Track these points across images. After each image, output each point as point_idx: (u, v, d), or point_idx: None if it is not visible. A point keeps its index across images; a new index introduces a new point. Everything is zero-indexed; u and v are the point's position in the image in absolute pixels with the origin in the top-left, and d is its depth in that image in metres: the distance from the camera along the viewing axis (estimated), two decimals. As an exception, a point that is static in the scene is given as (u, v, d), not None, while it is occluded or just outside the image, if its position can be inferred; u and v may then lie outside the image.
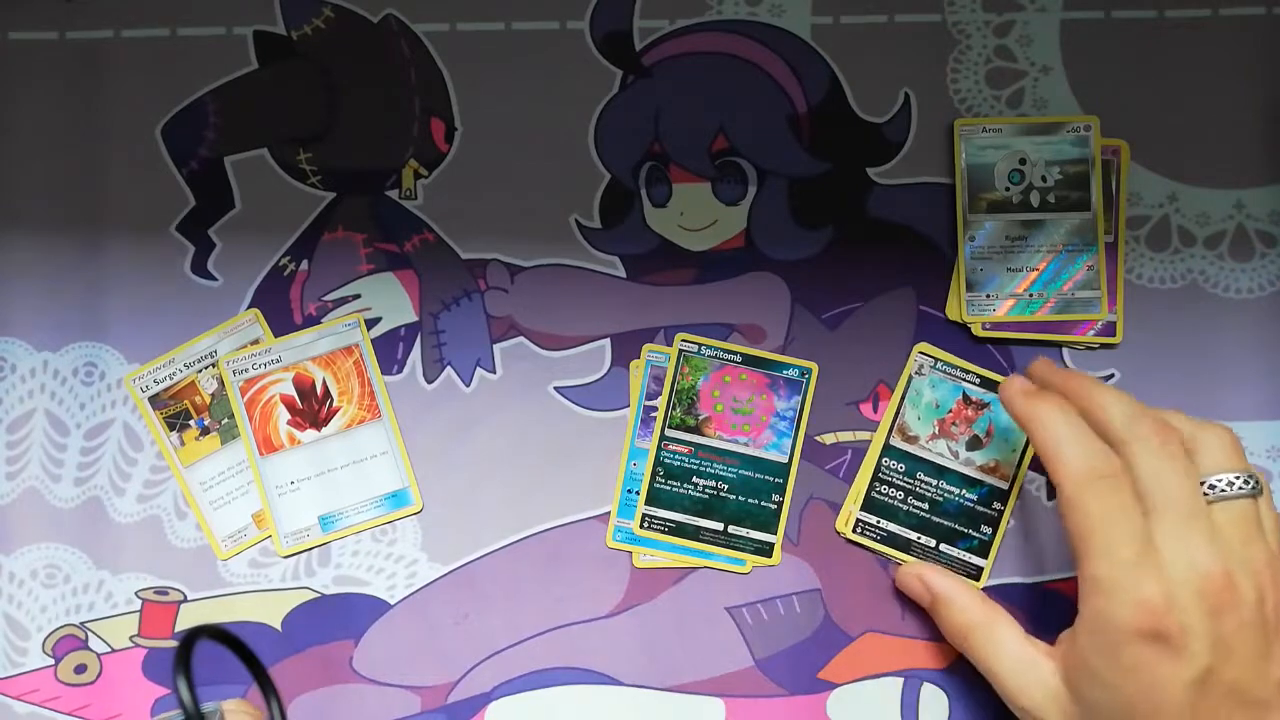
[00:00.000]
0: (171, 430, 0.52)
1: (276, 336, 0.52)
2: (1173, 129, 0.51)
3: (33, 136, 0.53)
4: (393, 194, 0.53)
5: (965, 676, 0.50)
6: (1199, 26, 0.52)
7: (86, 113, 0.53)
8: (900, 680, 0.50)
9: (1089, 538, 0.40)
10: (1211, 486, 0.40)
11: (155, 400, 0.52)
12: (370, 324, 0.52)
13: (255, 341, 0.52)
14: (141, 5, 0.53)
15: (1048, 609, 0.50)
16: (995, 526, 0.50)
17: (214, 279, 0.52)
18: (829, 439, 0.51)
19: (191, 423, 0.52)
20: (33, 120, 0.53)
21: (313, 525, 0.51)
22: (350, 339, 0.52)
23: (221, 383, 0.52)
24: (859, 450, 0.51)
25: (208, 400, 0.52)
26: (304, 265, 0.52)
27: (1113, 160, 0.51)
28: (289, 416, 0.52)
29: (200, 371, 0.52)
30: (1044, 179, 0.51)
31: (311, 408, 0.52)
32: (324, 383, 0.52)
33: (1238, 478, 0.40)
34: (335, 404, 0.52)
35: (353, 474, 0.51)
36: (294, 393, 0.52)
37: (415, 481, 0.51)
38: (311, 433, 0.52)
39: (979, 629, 0.45)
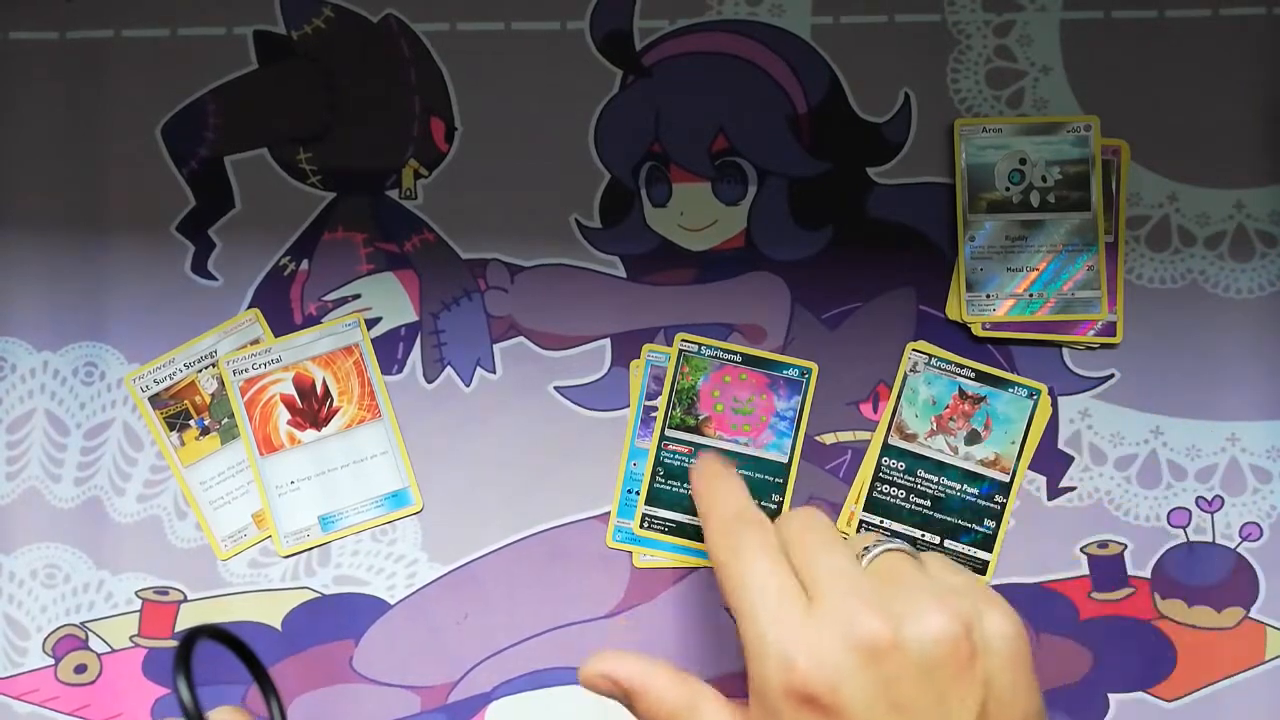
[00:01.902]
0: (171, 430, 0.52)
1: (276, 336, 0.52)
2: (1173, 129, 0.51)
3: (33, 136, 0.53)
4: (393, 194, 0.53)
5: (965, 676, 0.50)
6: (1199, 26, 0.52)
7: (86, 113, 0.53)
8: (900, 680, 0.50)
9: (737, 598, 0.37)
10: (865, 554, 0.38)
11: (155, 400, 0.52)
12: (370, 324, 0.52)
13: (255, 341, 0.52)
14: (141, 5, 0.53)
15: (1048, 609, 0.50)
16: (998, 520, 0.50)
17: (214, 279, 0.52)
18: (829, 439, 0.51)
19: (191, 423, 0.52)
20: (33, 120, 0.53)
21: (313, 525, 0.51)
22: (350, 339, 0.52)
23: (221, 383, 0.52)
24: (859, 450, 0.51)
25: (208, 400, 0.52)
26: (304, 265, 0.52)
27: (1113, 160, 0.51)
28: (289, 416, 0.52)
29: (200, 371, 0.52)
30: (1044, 179, 0.51)
31: (311, 408, 0.52)
32: (324, 383, 0.52)
33: (879, 544, 0.38)
34: (335, 404, 0.52)
35: (353, 474, 0.51)
36: (294, 392, 0.52)
37: (415, 481, 0.51)
38: (311, 432, 0.52)
39: (681, 715, 0.39)
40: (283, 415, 0.52)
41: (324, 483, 0.51)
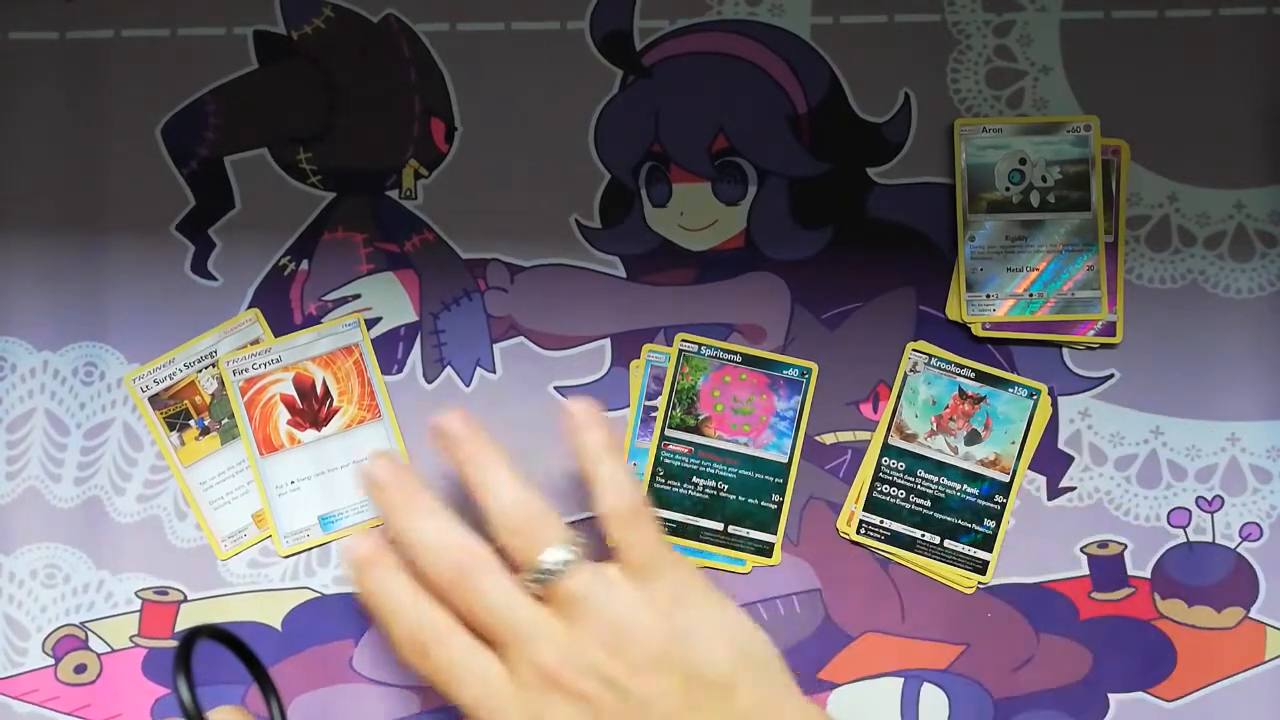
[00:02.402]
0: (171, 430, 0.52)
1: (276, 336, 0.52)
2: (1173, 129, 0.51)
3: (33, 136, 0.53)
4: (393, 194, 0.53)
5: (965, 676, 0.50)
6: (1199, 26, 0.52)
7: (86, 113, 0.53)
8: (900, 680, 0.50)
9: (449, 699, 0.40)
10: (536, 578, 0.40)
11: (155, 400, 0.52)
12: (370, 324, 0.52)
13: (255, 341, 0.52)
14: (141, 5, 0.53)
15: (1048, 609, 0.50)
16: (998, 520, 0.50)
17: (214, 279, 0.52)
18: (829, 439, 0.51)
19: (191, 423, 0.52)
20: (33, 120, 0.53)
21: (313, 525, 0.51)
22: (350, 339, 0.52)
23: (221, 383, 0.52)
24: (859, 450, 0.51)
25: (208, 400, 0.52)
26: (304, 265, 0.52)
27: (1113, 160, 0.51)
28: (289, 416, 0.52)
29: (200, 371, 0.52)
30: (1044, 179, 0.51)
31: (311, 408, 0.52)
32: (324, 383, 0.52)
33: (556, 553, 0.40)
34: (335, 404, 0.52)
35: (353, 474, 0.51)
36: (294, 393, 0.52)
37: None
38: (311, 433, 0.52)
39: None
40: (283, 415, 0.52)
41: (324, 483, 0.51)
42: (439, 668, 0.40)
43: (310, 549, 0.51)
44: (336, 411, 0.52)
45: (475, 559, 0.40)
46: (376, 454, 0.43)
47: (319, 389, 0.52)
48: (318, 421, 0.52)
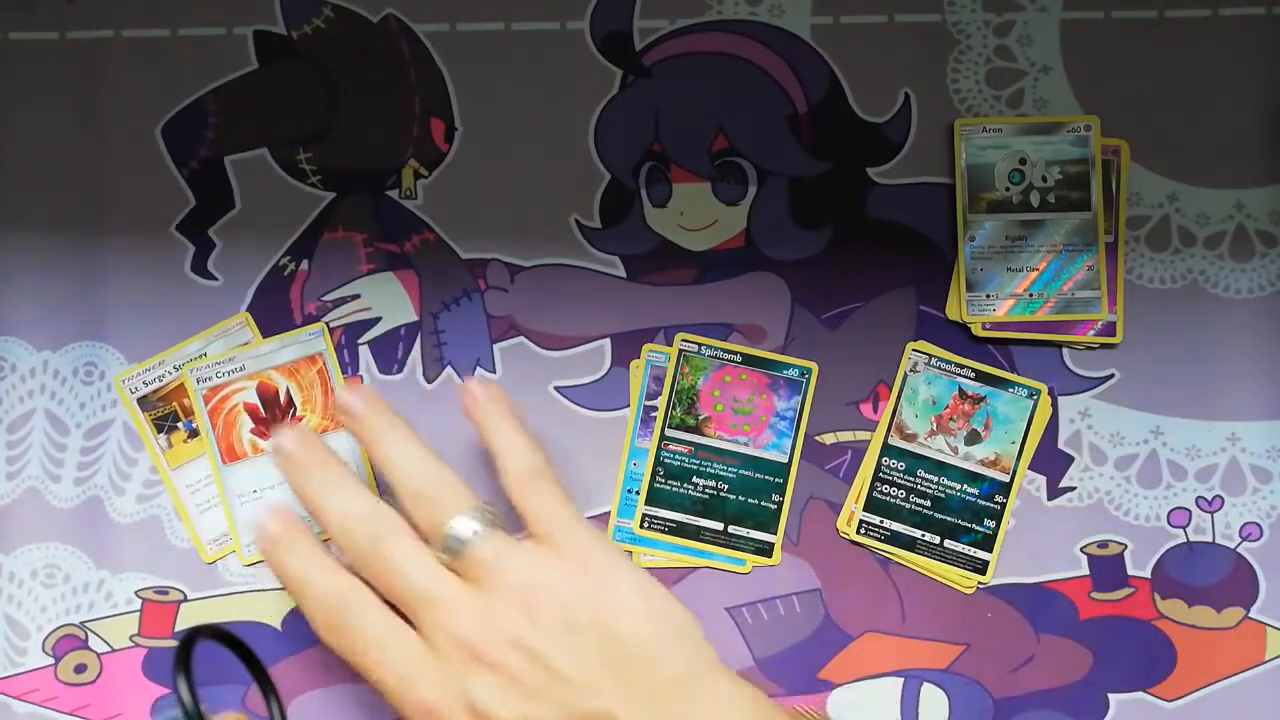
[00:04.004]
0: (160, 432, 0.52)
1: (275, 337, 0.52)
2: (1173, 129, 0.51)
3: (33, 136, 0.53)
4: (393, 194, 0.53)
5: (965, 676, 0.50)
6: (1199, 26, 0.52)
7: (86, 113, 0.53)
8: (900, 680, 0.50)
9: (362, 672, 0.40)
10: (446, 546, 0.40)
11: (144, 402, 0.52)
12: (370, 324, 0.52)
13: (246, 344, 0.52)
14: (141, 5, 0.53)
15: (1048, 609, 0.50)
16: (998, 520, 0.50)
17: (214, 279, 0.52)
18: (829, 439, 0.51)
19: (180, 425, 0.52)
20: (33, 120, 0.53)
21: None
22: (314, 348, 0.52)
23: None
24: (859, 450, 0.51)
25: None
26: (304, 265, 0.52)
27: (1113, 160, 0.51)
28: (252, 425, 0.51)
29: (189, 374, 0.52)
30: (1044, 179, 0.51)
31: (275, 417, 0.51)
32: (287, 392, 0.52)
33: (464, 522, 0.40)
34: (299, 413, 0.52)
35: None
36: (258, 401, 0.51)
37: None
38: None
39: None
40: (246, 424, 0.51)
41: (287, 492, 0.51)
42: (354, 644, 0.39)
43: None
44: (300, 421, 0.52)
45: (386, 527, 0.40)
46: (282, 427, 0.43)
47: (283, 398, 0.52)
48: (280, 431, 0.52)
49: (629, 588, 0.40)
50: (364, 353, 0.52)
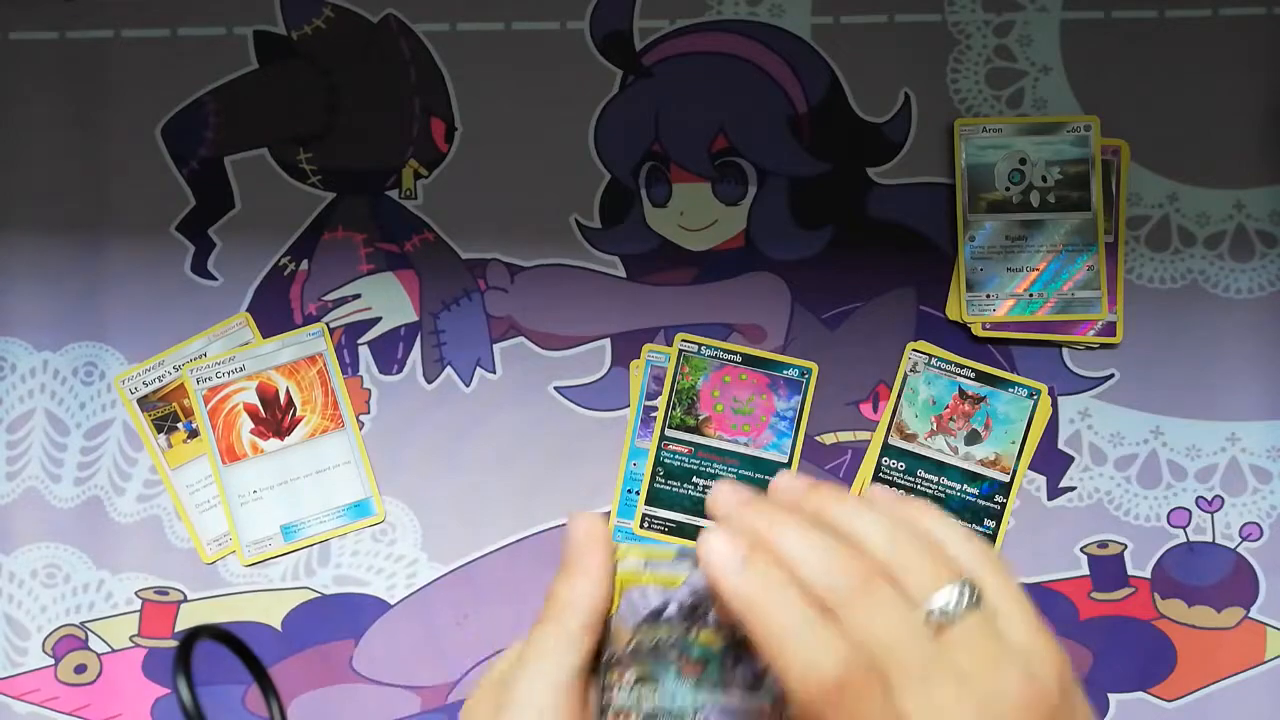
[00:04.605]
0: (160, 432, 0.52)
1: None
2: (1173, 129, 0.51)
3: (33, 136, 0.53)
4: (393, 194, 0.53)
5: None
6: (1199, 26, 0.52)
7: (86, 113, 0.53)
8: (900, 680, 0.50)
9: None
10: (929, 614, 0.34)
11: (144, 402, 0.52)
12: (370, 324, 0.52)
13: (246, 344, 0.52)
14: (141, 5, 0.53)
15: (1048, 609, 0.50)
16: (998, 520, 0.50)
17: (214, 279, 0.52)
18: (829, 439, 0.51)
19: (180, 425, 0.52)
20: (33, 120, 0.53)
21: (275, 534, 0.51)
22: (314, 348, 0.52)
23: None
24: (859, 450, 0.51)
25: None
26: (304, 265, 0.52)
27: (1113, 160, 0.51)
28: (252, 425, 0.51)
29: (189, 374, 0.52)
30: (1044, 179, 0.51)
31: (275, 417, 0.51)
32: (287, 392, 0.52)
33: (950, 592, 0.34)
34: (299, 413, 0.52)
35: (315, 484, 0.51)
36: (257, 402, 0.51)
37: (378, 491, 0.51)
38: (275, 442, 0.51)
39: None
40: (246, 424, 0.51)
41: (286, 492, 0.51)
42: (851, 716, 0.32)
43: (272, 558, 0.51)
44: (300, 421, 0.52)
45: (871, 574, 0.34)
46: (716, 486, 0.37)
47: (282, 398, 0.51)
48: (281, 431, 0.51)
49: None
50: (364, 353, 0.52)
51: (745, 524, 0.35)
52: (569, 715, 0.36)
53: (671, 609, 0.36)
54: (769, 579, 0.34)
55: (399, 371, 0.52)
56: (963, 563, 0.34)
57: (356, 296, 0.52)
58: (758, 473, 0.51)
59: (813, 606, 0.33)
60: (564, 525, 0.41)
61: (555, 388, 0.52)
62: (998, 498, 0.50)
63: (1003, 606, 0.34)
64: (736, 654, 0.36)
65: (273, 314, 0.52)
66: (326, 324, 0.52)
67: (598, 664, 0.36)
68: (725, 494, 0.37)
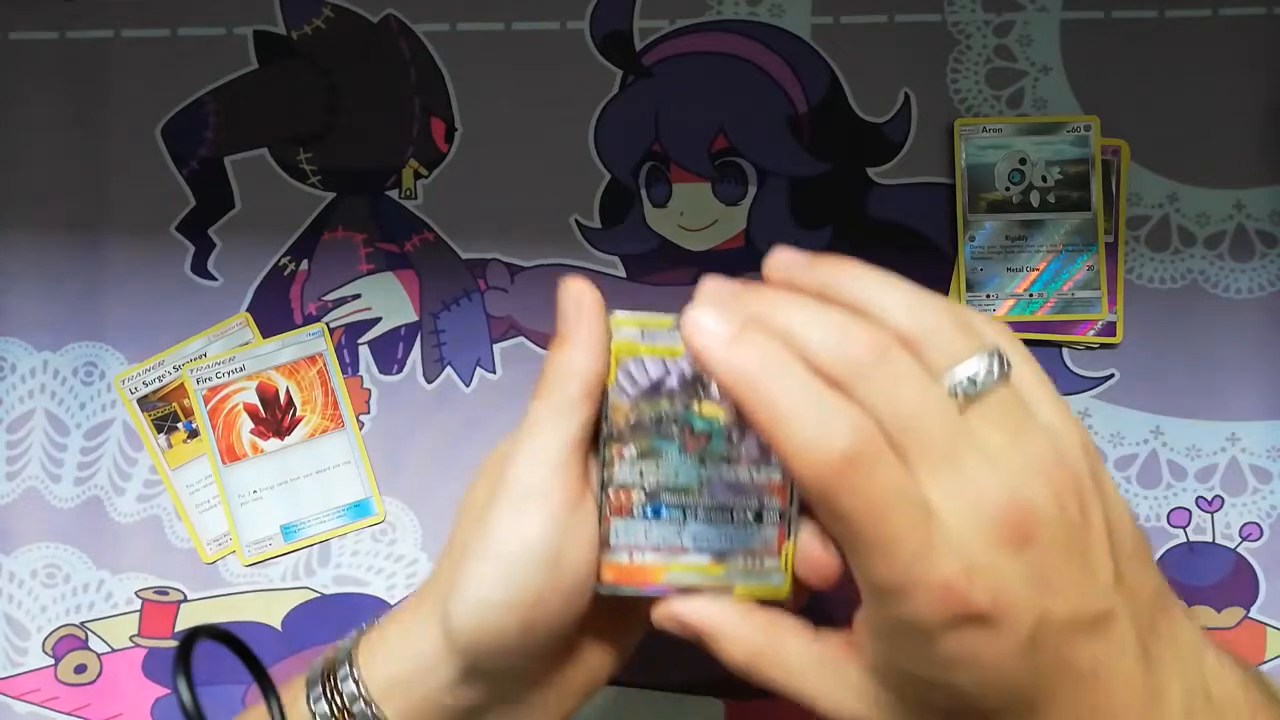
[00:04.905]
0: (160, 432, 0.52)
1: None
2: (1173, 129, 0.51)
3: (33, 136, 0.53)
4: (393, 194, 0.53)
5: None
6: (1199, 26, 0.52)
7: (86, 112, 0.53)
8: (900, 680, 0.50)
9: (857, 538, 0.29)
10: (955, 388, 0.30)
11: (144, 402, 0.52)
12: (370, 324, 0.52)
13: (246, 344, 0.52)
14: (141, 5, 0.53)
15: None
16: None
17: (214, 279, 0.52)
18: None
19: (180, 425, 0.52)
20: (33, 120, 0.53)
21: (275, 535, 0.51)
22: (314, 348, 0.52)
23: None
24: (859, 450, 0.51)
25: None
26: (304, 265, 0.52)
27: (1113, 160, 0.51)
28: (252, 425, 0.51)
29: (189, 374, 0.52)
30: (1044, 179, 0.51)
31: (275, 417, 0.52)
32: (287, 392, 0.52)
33: (979, 362, 0.31)
34: (298, 413, 0.52)
35: (315, 484, 0.51)
36: (257, 402, 0.51)
37: (378, 491, 0.51)
38: (275, 442, 0.51)
39: (760, 657, 0.34)
40: (246, 424, 0.51)
41: (286, 492, 0.51)
42: (866, 493, 0.29)
43: (272, 558, 0.51)
44: (300, 421, 0.52)
45: (889, 343, 0.30)
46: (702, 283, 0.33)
47: (282, 398, 0.52)
48: (281, 431, 0.51)
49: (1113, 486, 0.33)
50: (364, 353, 0.52)
51: (738, 305, 0.32)
52: (565, 491, 0.34)
53: (671, 381, 0.34)
54: (764, 350, 0.30)
55: (399, 371, 0.52)
56: (987, 337, 0.32)
57: (356, 296, 0.52)
58: (758, 473, 0.51)
59: (818, 380, 0.30)
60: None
61: (555, 388, 0.52)
62: (998, 498, 0.50)
63: (1026, 382, 0.32)
64: (742, 426, 0.34)
65: (273, 314, 0.52)
66: (326, 324, 0.52)
67: (597, 439, 0.35)
68: (712, 283, 0.33)
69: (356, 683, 0.36)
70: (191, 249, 0.53)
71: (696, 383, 0.34)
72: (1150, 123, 0.51)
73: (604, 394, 0.34)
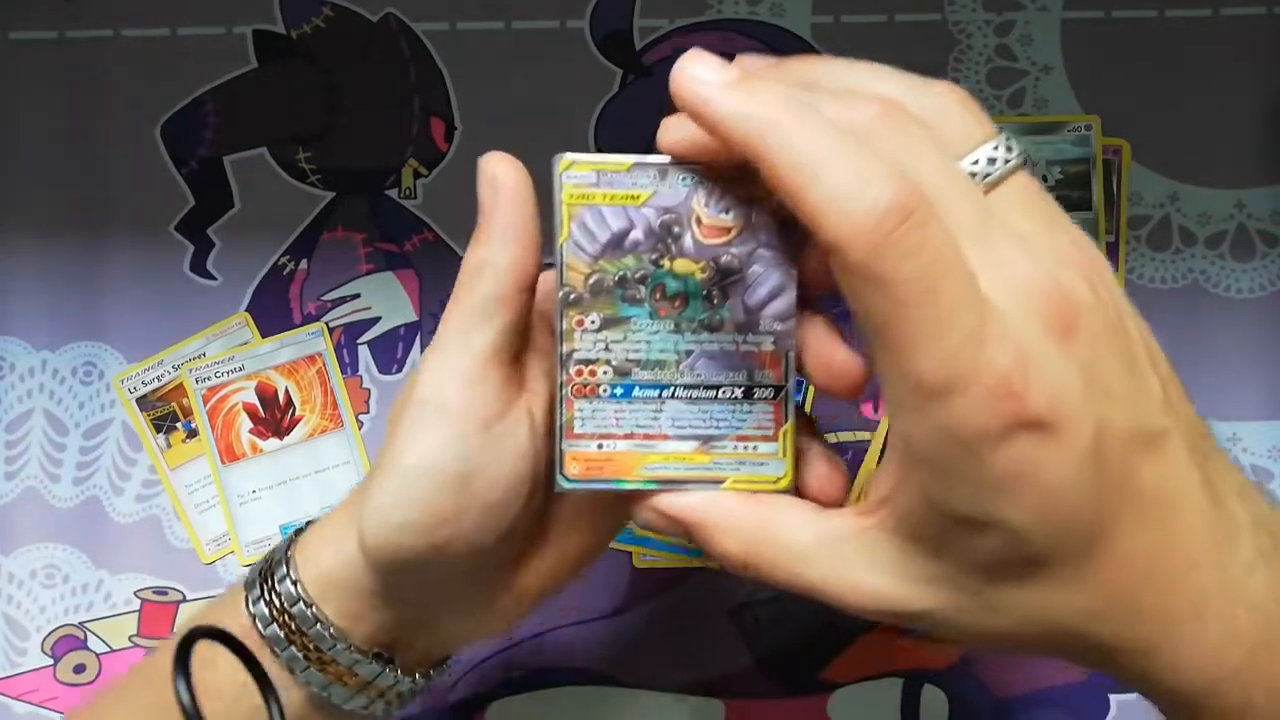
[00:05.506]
0: (159, 432, 0.52)
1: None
2: (1173, 129, 0.51)
3: (33, 136, 0.53)
4: (392, 193, 0.53)
5: (966, 676, 0.50)
6: (1199, 26, 0.52)
7: (86, 113, 0.53)
8: (900, 680, 0.50)
9: (904, 318, 0.25)
10: (974, 171, 0.28)
11: (143, 402, 0.52)
12: (370, 324, 0.52)
13: (245, 344, 0.52)
14: (141, 5, 0.53)
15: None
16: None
17: (213, 278, 0.52)
18: (830, 439, 0.51)
19: (179, 425, 0.52)
20: (33, 120, 0.53)
21: (274, 535, 0.51)
22: (313, 348, 0.52)
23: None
24: (859, 450, 0.51)
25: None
26: (303, 265, 0.52)
27: (1113, 160, 0.51)
28: (251, 425, 0.51)
29: (188, 374, 0.52)
30: (1045, 179, 0.51)
31: (274, 417, 0.51)
32: (286, 391, 0.52)
33: (997, 147, 0.28)
34: (298, 413, 0.51)
35: (314, 484, 0.51)
36: (256, 401, 0.51)
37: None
38: (274, 442, 0.51)
39: (760, 544, 0.30)
40: (245, 424, 0.51)
41: (285, 492, 0.51)
42: (919, 256, 0.25)
43: None
44: (299, 421, 0.51)
45: (899, 110, 0.27)
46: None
47: (281, 398, 0.51)
48: (280, 431, 0.51)
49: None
50: (364, 353, 0.52)
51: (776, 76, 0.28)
52: (476, 406, 0.31)
53: (636, 233, 0.30)
54: (776, 91, 0.26)
55: (399, 371, 0.52)
56: (992, 123, 0.29)
57: (356, 296, 0.52)
58: (758, 473, 0.51)
59: (862, 147, 0.25)
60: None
61: (555, 388, 0.52)
62: (998, 498, 0.50)
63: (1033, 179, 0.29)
64: (724, 285, 0.30)
65: (272, 314, 0.52)
66: (326, 324, 0.52)
67: (526, 339, 0.30)
68: (694, 53, 0.28)
69: (294, 583, 0.34)
70: (191, 248, 0.53)
71: (667, 234, 0.30)
72: (1151, 122, 0.51)
73: (560, 252, 0.30)
